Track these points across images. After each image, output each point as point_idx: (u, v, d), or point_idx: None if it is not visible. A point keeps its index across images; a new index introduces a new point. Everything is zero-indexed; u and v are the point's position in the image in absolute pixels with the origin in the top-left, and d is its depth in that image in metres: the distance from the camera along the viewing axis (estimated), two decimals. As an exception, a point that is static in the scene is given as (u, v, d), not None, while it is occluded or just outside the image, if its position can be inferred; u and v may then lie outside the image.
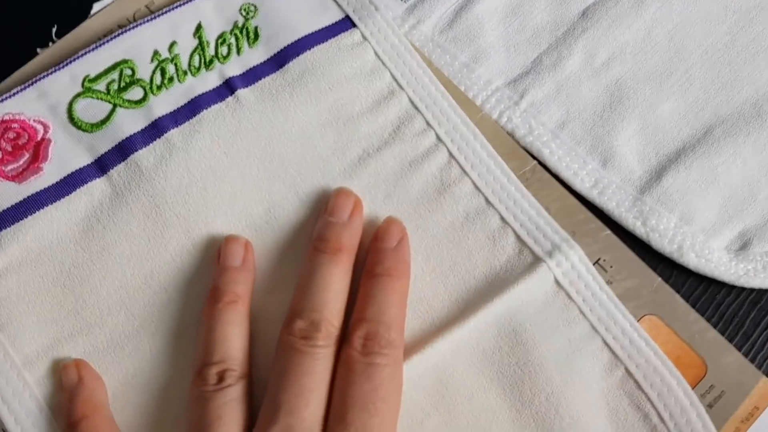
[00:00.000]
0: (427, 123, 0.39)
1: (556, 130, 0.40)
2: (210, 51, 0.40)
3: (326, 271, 0.33)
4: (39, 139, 0.37)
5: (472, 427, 0.33)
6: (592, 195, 0.39)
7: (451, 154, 0.38)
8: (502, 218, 0.37)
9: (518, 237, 0.37)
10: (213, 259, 0.36)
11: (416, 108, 0.39)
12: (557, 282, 0.36)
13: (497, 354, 0.34)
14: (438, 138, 0.39)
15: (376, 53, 0.40)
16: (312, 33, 0.40)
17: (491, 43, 0.42)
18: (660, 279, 0.37)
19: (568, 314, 0.35)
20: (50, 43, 0.41)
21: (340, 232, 0.34)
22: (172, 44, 0.40)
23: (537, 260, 0.36)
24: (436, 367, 0.34)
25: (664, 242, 0.38)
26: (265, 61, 0.40)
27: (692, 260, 0.38)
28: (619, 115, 0.40)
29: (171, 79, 0.39)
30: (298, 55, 0.40)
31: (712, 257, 0.37)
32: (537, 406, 0.33)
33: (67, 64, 0.39)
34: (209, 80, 0.39)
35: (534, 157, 0.40)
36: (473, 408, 0.33)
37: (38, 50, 0.41)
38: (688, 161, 0.39)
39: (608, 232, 0.38)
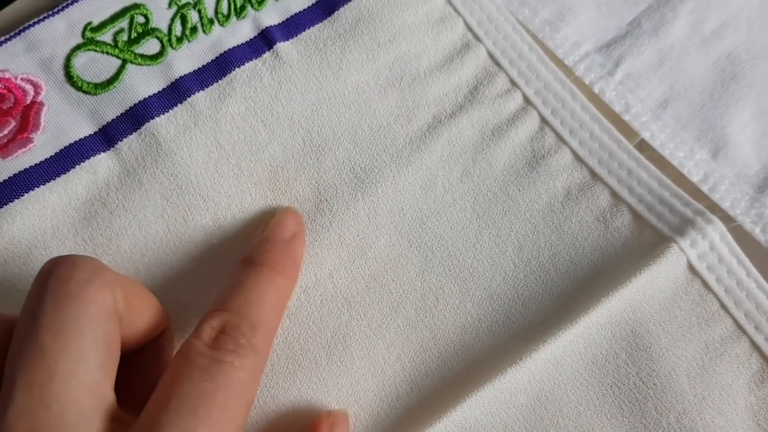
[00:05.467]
0: (512, 82, 0.35)
1: (657, 110, 0.36)
2: (241, -7, 0.35)
3: (258, 282, 0.28)
4: (28, 102, 0.33)
5: None
6: (702, 191, 0.34)
7: (543, 119, 0.34)
8: (614, 193, 0.33)
9: (636, 214, 0.33)
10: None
11: (497, 63, 0.35)
12: (691, 267, 0.32)
13: (612, 363, 0.31)
14: (526, 99, 0.34)
15: None
16: None
17: (580, -3, 0.38)
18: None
19: (704, 309, 0.31)
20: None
21: (278, 251, 0.30)
22: (195, -14, 0.35)
23: (663, 240, 0.32)
24: (532, 382, 0.30)
25: (787, 253, 0.33)
26: (309, 7, 0.35)
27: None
28: (732, 96, 0.36)
29: (194, 30, 0.34)
30: (349, 0, 0.35)
31: None
32: (665, 429, 0.30)
33: (62, 9, 0.34)
34: (241, 31, 0.34)
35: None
36: None
37: (24, -7, 0.36)
38: (815, 158, 0.35)
39: (736, 223, 0.33)
